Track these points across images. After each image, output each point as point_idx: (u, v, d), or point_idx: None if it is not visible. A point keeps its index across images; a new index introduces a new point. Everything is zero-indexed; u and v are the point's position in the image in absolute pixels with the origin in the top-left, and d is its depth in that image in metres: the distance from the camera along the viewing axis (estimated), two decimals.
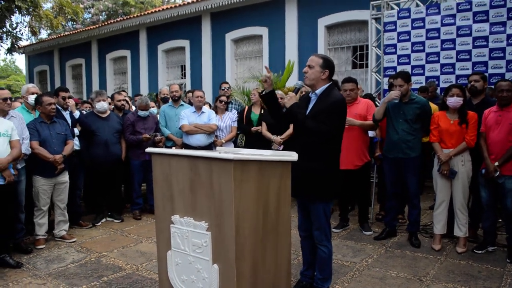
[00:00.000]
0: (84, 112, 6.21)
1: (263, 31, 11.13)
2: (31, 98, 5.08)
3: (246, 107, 6.40)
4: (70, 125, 5.32)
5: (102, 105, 5.63)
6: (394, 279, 3.81)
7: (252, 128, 6.09)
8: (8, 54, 15.72)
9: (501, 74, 6.12)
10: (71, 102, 5.56)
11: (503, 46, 6.13)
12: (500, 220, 4.95)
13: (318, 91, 3.17)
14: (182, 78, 13.51)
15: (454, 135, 4.38)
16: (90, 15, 22.83)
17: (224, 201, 2.33)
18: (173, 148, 6.01)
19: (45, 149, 4.69)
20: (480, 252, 4.38)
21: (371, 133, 5.32)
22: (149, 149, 2.76)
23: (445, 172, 4.40)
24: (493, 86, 5.02)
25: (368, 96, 6.38)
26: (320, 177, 3.15)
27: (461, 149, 4.36)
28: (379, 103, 6.69)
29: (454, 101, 4.34)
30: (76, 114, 5.66)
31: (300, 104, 3.21)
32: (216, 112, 6.24)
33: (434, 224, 4.65)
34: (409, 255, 4.41)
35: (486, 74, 5.56)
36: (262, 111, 6.19)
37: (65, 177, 4.96)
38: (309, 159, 3.11)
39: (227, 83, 7.34)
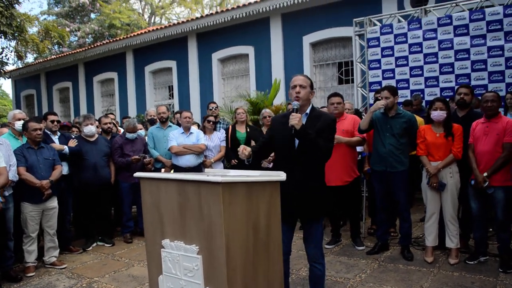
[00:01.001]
0: (73, 136, 6.17)
1: (249, 50, 11.25)
2: (18, 124, 5.06)
3: (230, 127, 6.40)
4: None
5: (90, 129, 5.62)
6: None
7: (232, 161, 6.11)
8: None
9: (483, 85, 6.25)
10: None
11: (485, 58, 6.27)
12: (491, 229, 4.99)
13: (308, 111, 3.20)
14: (169, 98, 13.54)
15: (441, 147, 4.43)
16: (76, 38, 22.90)
17: (214, 224, 2.32)
18: (163, 170, 5.99)
19: (32, 174, 4.65)
20: (472, 262, 4.40)
21: (359, 148, 5.36)
22: (137, 174, 2.75)
23: (435, 184, 4.44)
24: (479, 97, 5.12)
25: (355, 111, 6.44)
26: (322, 196, 3.20)
27: (449, 161, 4.41)
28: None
29: (437, 114, 4.41)
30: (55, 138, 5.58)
31: (278, 125, 3.21)
32: (205, 132, 6.25)
33: (426, 236, 4.68)
34: (402, 269, 4.41)
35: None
36: (248, 129, 6.22)
37: (54, 203, 4.91)
38: (313, 179, 3.13)
39: (214, 103, 7.37)
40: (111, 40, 15.00)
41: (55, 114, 5.72)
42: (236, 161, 6.03)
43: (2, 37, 12.75)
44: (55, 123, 5.52)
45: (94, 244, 5.75)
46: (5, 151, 4.41)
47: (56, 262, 4.95)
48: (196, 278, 2.44)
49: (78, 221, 6.15)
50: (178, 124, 6.66)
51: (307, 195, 3.11)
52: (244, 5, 10.91)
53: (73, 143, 5.50)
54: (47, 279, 4.58)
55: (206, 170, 3.57)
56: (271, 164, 5.81)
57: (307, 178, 3.08)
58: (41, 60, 17.67)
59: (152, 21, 26.36)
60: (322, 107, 6.38)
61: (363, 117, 6.21)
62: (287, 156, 3.16)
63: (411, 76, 6.97)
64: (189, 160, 5.87)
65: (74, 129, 6.91)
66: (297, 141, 3.12)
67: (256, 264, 2.52)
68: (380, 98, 4.78)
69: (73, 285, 4.39)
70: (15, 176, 4.47)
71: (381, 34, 7.20)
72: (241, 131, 6.21)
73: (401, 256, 4.76)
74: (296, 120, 2.96)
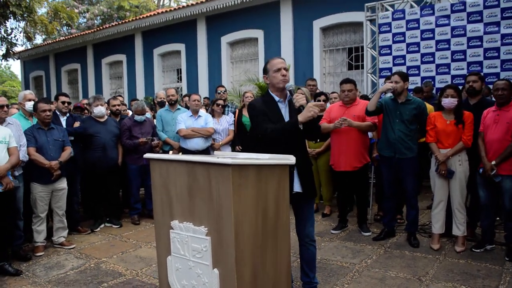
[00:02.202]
0: (83, 118, 6.19)
1: (259, 33, 11.15)
2: (28, 105, 5.08)
3: (237, 111, 6.38)
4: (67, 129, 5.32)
5: (100, 110, 5.63)
6: (394, 280, 3.82)
7: (237, 147, 6.11)
8: (3, 60, 15.69)
9: (496, 73, 6.17)
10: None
11: (498, 46, 6.18)
12: (498, 218, 4.98)
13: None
14: (178, 81, 13.51)
15: (451, 135, 4.40)
16: (85, 20, 22.83)
17: (223, 206, 2.33)
18: (171, 152, 6.01)
19: (42, 155, 4.68)
20: (478, 250, 4.40)
21: (369, 134, 5.35)
22: (147, 155, 2.76)
23: (443, 172, 4.41)
24: (490, 86, 5.05)
25: (364, 97, 6.40)
26: (312, 174, 3.34)
27: (458, 149, 4.38)
28: None
29: (448, 102, 4.37)
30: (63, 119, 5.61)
31: (263, 108, 3.10)
32: (213, 116, 6.24)
33: (433, 223, 4.67)
34: (408, 255, 4.42)
35: (481, 74, 5.60)
36: None
37: (63, 184, 4.95)
38: (308, 160, 3.28)
39: (223, 86, 7.35)
40: (120, 22, 14.94)
41: (66, 95, 5.76)
42: (240, 148, 6.03)
43: (11, 17, 12.76)
44: (66, 104, 5.56)
45: (102, 225, 5.81)
46: (15, 131, 4.44)
47: (64, 242, 5.01)
48: (205, 259, 2.46)
49: (86, 202, 6.21)
50: (187, 107, 6.66)
51: (307, 176, 3.18)
52: None
53: (76, 125, 5.51)
54: (55, 259, 4.64)
55: (216, 152, 3.57)
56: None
57: (302, 161, 3.07)
58: (50, 42, 17.66)
59: (161, 3, 26.17)
60: (332, 93, 6.34)
61: None
62: (281, 141, 3.06)
63: (422, 63, 6.89)
64: (197, 143, 5.88)
65: (85, 111, 6.95)
66: None
67: (265, 247, 2.53)
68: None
69: (81, 265, 4.44)
70: (25, 156, 4.50)
71: (393, 19, 7.10)
72: (247, 115, 6.18)
73: (407, 242, 4.76)
74: (303, 100, 2.97)
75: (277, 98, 3.15)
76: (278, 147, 2.98)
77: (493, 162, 4.12)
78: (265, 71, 3.16)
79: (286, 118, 3.13)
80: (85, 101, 7.30)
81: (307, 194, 3.20)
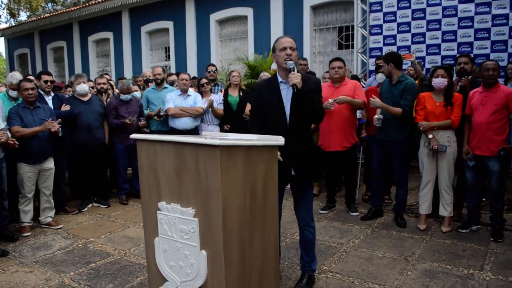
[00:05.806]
0: (67, 96, 6.07)
1: (248, 11, 10.99)
2: (12, 92, 5.03)
3: (223, 91, 6.30)
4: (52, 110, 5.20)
5: (83, 87, 5.52)
6: (381, 259, 3.86)
7: (225, 127, 6.03)
8: None
9: (486, 54, 6.17)
10: None
11: (488, 27, 6.17)
12: (484, 199, 5.03)
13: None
14: (166, 60, 13.33)
15: (440, 117, 4.38)
16: None
17: (211, 187, 2.30)
18: (155, 117, 5.93)
19: None
20: (464, 231, 4.45)
21: (358, 115, 5.33)
22: (133, 136, 2.71)
23: (436, 146, 4.33)
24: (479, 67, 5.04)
25: (354, 77, 6.37)
26: (313, 161, 3.19)
27: (444, 125, 4.35)
28: (364, 83, 6.70)
29: (438, 81, 4.35)
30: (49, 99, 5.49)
31: (264, 92, 3.14)
32: (202, 96, 6.16)
33: (420, 204, 4.71)
34: (395, 235, 4.46)
35: (471, 55, 5.60)
36: (241, 93, 6.13)
37: (50, 164, 4.89)
38: (304, 144, 3.11)
39: (213, 65, 7.21)
40: None
41: (49, 74, 5.55)
42: (229, 127, 5.98)
43: None
44: (49, 83, 5.38)
45: (90, 205, 5.77)
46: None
47: (51, 223, 4.97)
48: (192, 240, 2.44)
49: (74, 182, 6.15)
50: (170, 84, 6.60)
51: (300, 161, 3.09)
52: None
53: (64, 107, 5.39)
54: (43, 239, 4.60)
55: (204, 133, 3.52)
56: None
57: (299, 144, 3.05)
58: (35, 19, 17.26)
59: None
60: (326, 72, 6.29)
61: (362, 83, 6.18)
62: (279, 123, 3.06)
63: (413, 43, 6.86)
64: (185, 122, 5.82)
65: (68, 89, 6.82)
66: (288, 108, 3.05)
67: (252, 228, 2.52)
68: (380, 64, 4.71)
69: (68, 245, 4.42)
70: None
71: None
72: (234, 95, 6.12)
73: (394, 222, 4.81)
74: (298, 79, 2.87)
75: (280, 79, 3.10)
76: (269, 130, 2.95)
77: None
78: (273, 49, 3.11)
79: (287, 99, 3.05)
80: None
81: (298, 178, 3.15)
